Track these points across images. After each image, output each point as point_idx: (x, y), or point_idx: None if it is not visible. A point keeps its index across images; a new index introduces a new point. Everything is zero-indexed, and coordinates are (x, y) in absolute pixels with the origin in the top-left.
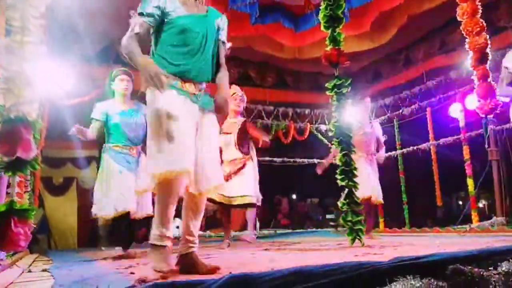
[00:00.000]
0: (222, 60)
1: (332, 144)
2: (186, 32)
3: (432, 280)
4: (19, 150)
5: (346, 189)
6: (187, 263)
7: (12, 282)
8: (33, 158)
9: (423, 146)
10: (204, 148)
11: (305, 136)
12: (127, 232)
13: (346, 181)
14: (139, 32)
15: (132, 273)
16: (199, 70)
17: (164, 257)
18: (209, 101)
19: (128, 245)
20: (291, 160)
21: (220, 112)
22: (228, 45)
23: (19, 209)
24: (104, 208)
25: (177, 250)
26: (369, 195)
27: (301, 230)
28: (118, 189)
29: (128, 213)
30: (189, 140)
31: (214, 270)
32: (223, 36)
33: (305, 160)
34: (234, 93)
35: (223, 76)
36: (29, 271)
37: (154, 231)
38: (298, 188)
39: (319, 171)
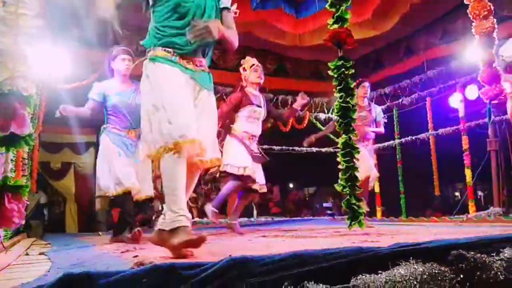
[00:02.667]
0: (227, 25)
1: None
2: (181, 4)
3: (435, 265)
4: (13, 125)
5: (348, 172)
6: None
7: (9, 265)
8: (27, 134)
9: (422, 136)
10: (202, 121)
11: (304, 125)
12: (130, 214)
13: (349, 164)
14: None
15: (136, 256)
16: (196, 44)
17: (186, 233)
18: (207, 79)
19: (130, 229)
20: (290, 148)
21: (202, 31)
22: (233, 7)
23: (13, 185)
24: (106, 186)
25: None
26: (367, 175)
27: (297, 218)
28: (118, 169)
29: (129, 193)
30: (192, 110)
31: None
32: (225, 2)
33: (304, 148)
34: (253, 65)
35: (228, 28)
36: (27, 254)
37: (169, 215)
38: (295, 176)
39: (305, 144)
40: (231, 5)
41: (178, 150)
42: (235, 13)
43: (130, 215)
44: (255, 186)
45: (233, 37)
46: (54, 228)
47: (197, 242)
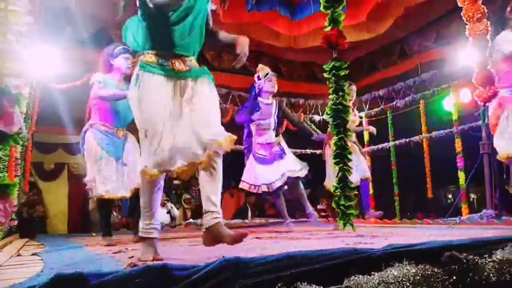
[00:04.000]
0: (211, 25)
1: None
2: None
3: (428, 267)
4: (0, 123)
5: (340, 173)
6: (213, 235)
7: (0, 265)
8: (16, 132)
9: (416, 138)
10: (198, 113)
11: None
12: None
13: (341, 164)
14: None
15: (131, 256)
16: (187, 43)
17: (150, 248)
18: (200, 70)
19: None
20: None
21: (240, 49)
22: (213, 7)
23: (0, 184)
24: (96, 188)
25: (202, 224)
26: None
27: (292, 220)
28: (97, 174)
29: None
30: (169, 131)
31: (240, 237)
32: (213, 4)
33: (298, 150)
34: (267, 74)
35: (224, 33)
36: (19, 255)
37: (141, 224)
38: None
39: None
40: (228, 8)
41: (150, 178)
42: (213, 10)
43: (105, 218)
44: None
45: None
46: (48, 228)
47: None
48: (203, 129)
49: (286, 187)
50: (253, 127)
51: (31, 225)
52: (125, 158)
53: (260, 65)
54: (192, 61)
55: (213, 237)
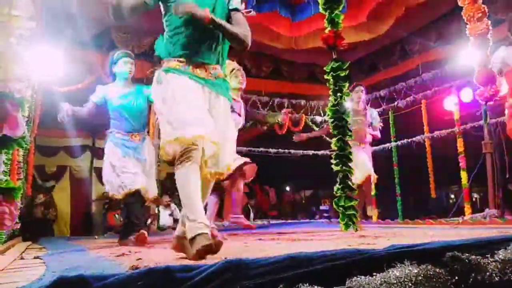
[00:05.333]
0: (239, 22)
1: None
2: None
3: (430, 267)
4: (5, 127)
5: (341, 174)
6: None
7: (3, 269)
8: (20, 136)
9: (418, 138)
10: (219, 130)
11: (300, 127)
12: (138, 216)
13: (341, 166)
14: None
15: (139, 258)
16: (209, 51)
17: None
18: (223, 86)
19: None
20: (286, 151)
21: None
22: (242, 7)
23: (5, 188)
24: (114, 190)
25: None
26: (366, 177)
27: (294, 221)
28: (122, 172)
29: (135, 195)
30: (205, 109)
31: (219, 244)
32: (234, 3)
33: (300, 151)
34: (233, 70)
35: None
36: (21, 258)
37: (188, 224)
38: (292, 179)
39: (295, 138)
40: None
41: (189, 149)
42: (247, 12)
43: (137, 218)
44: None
45: (240, 32)
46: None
47: (215, 248)
48: (226, 154)
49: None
50: None
51: (44, 225)
52: (142, 156)
53: (227, 61)
54: (217, 69)
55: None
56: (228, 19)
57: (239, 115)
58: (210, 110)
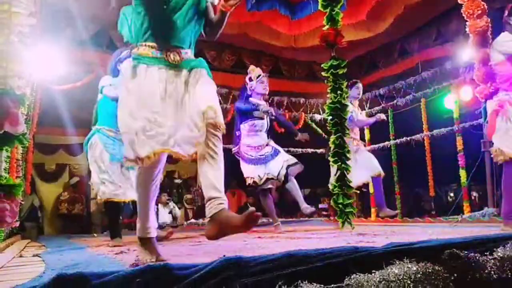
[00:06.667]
0: (212, 16)
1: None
2: None
3: (429, 264)
4: (6, 124)
5: (338, 172)
6: (219, 223)
7: (2, 267)
8: (21, 133)
9: (417, 137)
10: (195, 96)
11: (300, 126)
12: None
13: (339, 163)
14: None
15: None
16: (181, 35)
17: (149, 248)
18: (195, 62)
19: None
20: (284, 149)
21: None
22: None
23: (6, 185)
24: (98, 191)
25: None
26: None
27: (293, 219)
28: (107, 177)
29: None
30: (169, 116)
31: (249, 217)
32: None
33: (299, 149)
34: (259, 75)
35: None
36: (20, 256)
37: (138, 225)
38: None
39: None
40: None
41: (147, 162)
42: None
43: (115, 220)
44: (270, 186)
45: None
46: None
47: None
48: (200, 103)
49: (274, 185)
50: (245, 126)
51: (70, 221)
52: None
53: (251, 66)
54: (188, 53)
55: (220, 225)
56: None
57: (262, 118)
58: (184, 89)
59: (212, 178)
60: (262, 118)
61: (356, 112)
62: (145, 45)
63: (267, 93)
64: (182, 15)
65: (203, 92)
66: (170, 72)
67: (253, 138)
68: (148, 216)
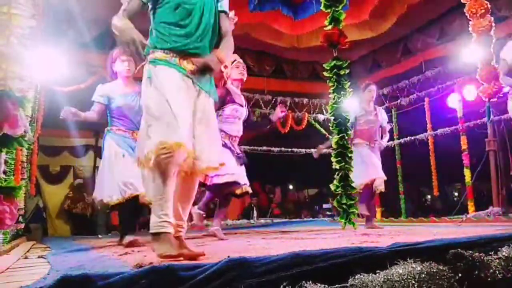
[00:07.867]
0: (225, 30)
1: (329, 135)
2: (181, 5)
3: (433, 264)
4: (5, 126)
5: (341, 172)
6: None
7: (8, 268)
8: (20, 135)
9: (421, 136)
10: (199, 128)
11: (303, 126)
12: (133, 218)
13: (342, 164)
14: (126, 9)
15: (145, 256)
16: (197, 46)
17: (168, 242)
18: (207, 82)
19: (132, 231)
20: (289, 149)
21: (203, 68)
22: (231, 14)
23: (5, 187)
24: (110, 192)
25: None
26: (373, 178)
27: (297, 220)
28: (123, 173)
29: (137, 198)
30: (188, 116)
31: (198, 255)
32: (223, 5)
33: (303, 150)
34: (234, 61)
35: (224, 42)
36: (26, 258)
37: (154, 219)
38: (296, 178)
39: (315, 155)
40: (230, 9)
41: (163, 155)
42: (233, 19)
43: (130, 220)
44: (238, 191)
45: (229, 48)
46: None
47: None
48: (207, 153)
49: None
50: (225, 111)
51: (73, 221)
52: None
53: None
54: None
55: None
56: (216, 19)
57: (242, 106)
58: (192, 104)
59: (180, 210)
60: (242, 105)
61: (365, 116)
62: (160, 52)
63: (244, 78)
64: (201, 28)
65: (211, 146)
66: (186, 79)
67: (230, 126)
68: (168, 208)
